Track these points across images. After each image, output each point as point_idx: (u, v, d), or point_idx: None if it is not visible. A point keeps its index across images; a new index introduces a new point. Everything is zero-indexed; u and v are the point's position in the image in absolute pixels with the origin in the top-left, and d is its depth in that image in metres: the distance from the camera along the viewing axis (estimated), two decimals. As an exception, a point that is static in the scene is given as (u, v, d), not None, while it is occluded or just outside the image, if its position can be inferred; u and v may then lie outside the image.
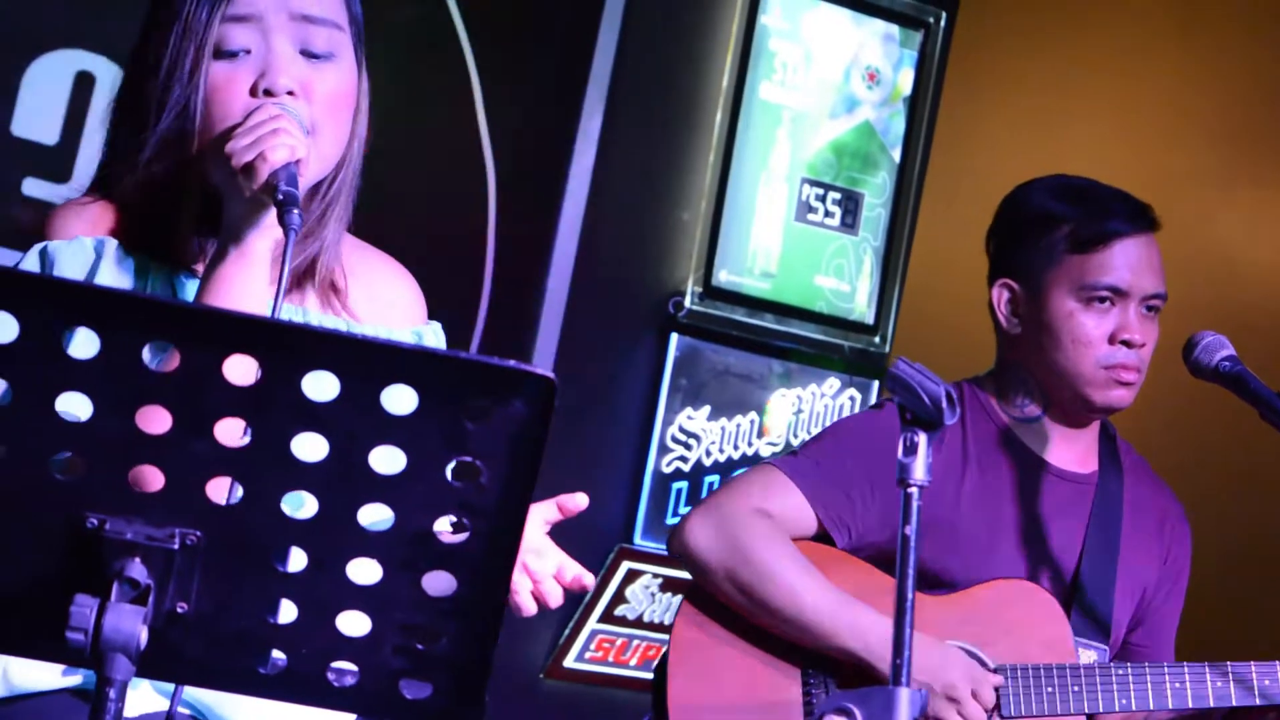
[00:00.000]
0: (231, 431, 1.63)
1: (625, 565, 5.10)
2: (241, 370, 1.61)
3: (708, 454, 5.22)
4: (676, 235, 5.17)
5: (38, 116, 4.23)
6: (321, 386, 1.62)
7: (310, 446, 1.64)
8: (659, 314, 5.16)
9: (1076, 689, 3.14)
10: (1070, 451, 3.36)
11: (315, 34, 2.34)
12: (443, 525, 1.68)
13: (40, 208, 4.22)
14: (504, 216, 4.89)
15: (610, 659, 5.12)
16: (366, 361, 1.62)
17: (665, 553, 5.07)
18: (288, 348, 1.61)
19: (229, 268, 2.25)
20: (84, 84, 4.27)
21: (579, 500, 2.20)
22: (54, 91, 4.25)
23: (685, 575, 5.01)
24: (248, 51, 2.32)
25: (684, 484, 5.19)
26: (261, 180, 2.20)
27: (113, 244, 2.34)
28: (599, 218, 5.02)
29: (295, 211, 2.16)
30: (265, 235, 2.25)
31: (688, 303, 5.16)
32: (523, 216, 4.93)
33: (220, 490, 1.66)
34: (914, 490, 2.24)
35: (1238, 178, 5.71)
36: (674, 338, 5.17)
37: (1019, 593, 3.23)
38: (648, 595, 5.12)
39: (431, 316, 2.61)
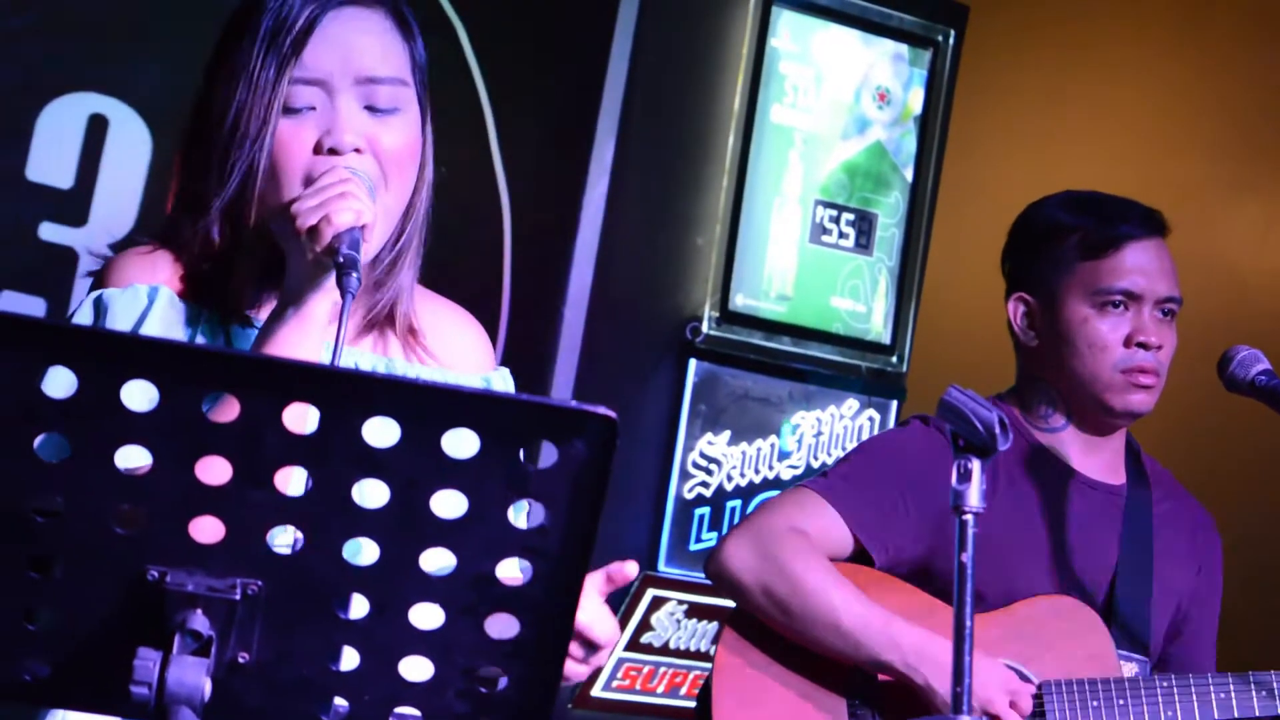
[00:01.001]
0: (292, 480, 1.62)
1: (650, 592, 5.09)
2: (302, 418, 1.60)
3: (729, 479, 5.21)
4: (692, 260, 5.17)
5: (52, 160, 4.23)
6: (382, 432, 1.60)
7: (371, 492, 1.63)
8: (677, 340, 5.16)
9: (1122, 702, 3.14)
10: (1099, 462, 3.37)
11: (379, 92, 2.32)
12: (505, 569, 1.67)
13: (57, 252, 4.21)
14: (519, 247, 4.88)
15: (638, 687, 5.10)
16: (427, 406, 1.61)
17: (690, 579, 5.10)
18: (348, 394, 1.60)
19: (286, 328, 2.23)
20: (98, 127, 4.27)
21: (629, 569, 2.16)
22: (68, 135, 4.24)
23: (711, 601, 5.04)
24: (312, 109, 2.32)
25: (706, 509, 5.19)
26: (325, 243, 2.19)
27: (166, 292, 2.33)
28: (614, 246, 5.01)
29: (354, 275, 2.15)
30: (325, 298, 2.24)
31: (705, 328, 5.16)
32: (538, 246, 4.93)
33: (281, 539, 1.65)
34: (969, 517, 2.23)
35: (1243, 186, 5.71)
36: (692, 363, 5.17)
37: (1060, 608, 3.23)
38: (673, 622, 5.11)
39: None
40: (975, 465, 2.20)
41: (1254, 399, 3.17)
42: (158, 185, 4.32)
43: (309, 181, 2.27)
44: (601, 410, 1.60)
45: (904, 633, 3.10)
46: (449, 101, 4.74)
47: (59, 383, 1.58)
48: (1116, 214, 3.31)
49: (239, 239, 2.34)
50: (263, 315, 2.34)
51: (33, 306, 4.17)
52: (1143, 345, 3.25)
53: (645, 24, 5.04)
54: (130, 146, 4.29)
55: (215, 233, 2.33)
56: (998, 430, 2.21)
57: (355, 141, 2.30)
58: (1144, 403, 3.28)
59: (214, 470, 1.62)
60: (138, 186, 4.29)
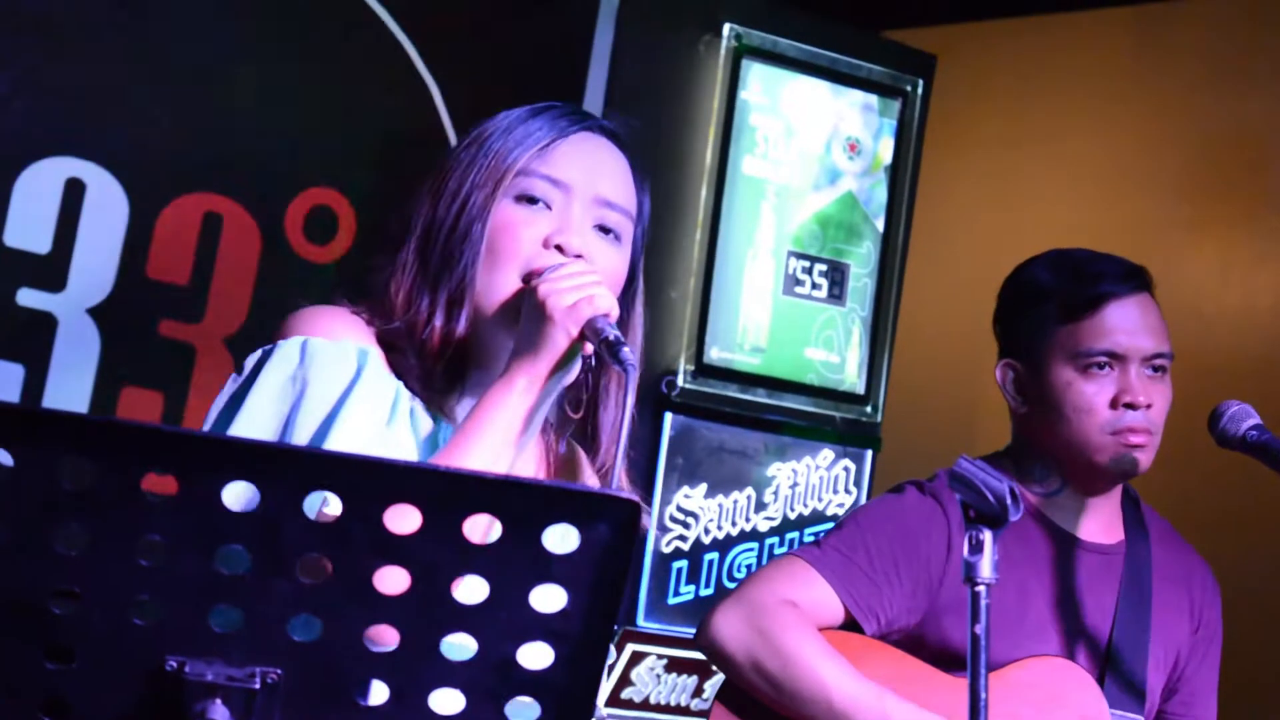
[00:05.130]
0: (315, 569, 1.62)
1: (630, 647, 5.08)
2: (323, 506, 1.60)
3: (706, 531, 5.21)
4: (666, 314, 5.17)
5: (29, 226, 4.21)
6: (403, 519, 1.60)
7: (392, 579, 1.63)
8: (652, 393, 5.16)
9: (1117, 764, 3.13)
10: (1096, 522, 3.35)
11: (610, 215, 2.42)
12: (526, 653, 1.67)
13: (36, 318, 4.19)
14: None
15: (619, 743, 5.09)
16: (448, 492, 1.61)
17: (669, 633, 5.09)
18: (369, 482, 1.60)
19: (520, 401, 2.27)
20: (75, 191, 4.25)
21: None
22: (45, 200, 4.23)
23: (691, 655, 5.03)
24: (548, 206, 2.39)
25: (684, 563, 5.18)
26: (582, 322, 2.25)
27: (376, 355, 2.36)
28: (589, 300, 5.01)
29: (628, 349, 2.22)
30: (562, 378, 2.31)
31: (680, 381, 5.16)
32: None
33: (300, 627, 1.65)
34: (982, 589, 2.23)
35: (1201, 226, 5.75)
36: (668, 416, 5.16)
37: (1053, 670, 3.21)
38: (653, 677, 5.10)
39: None
40: (987, 536, 2.20)
41: (1245, 454, 3.16)
42: (136, 249, 4.31)
43: (528, 273, 2.35)
44: (624, 494, 1.61)
45: (896, 709, 3.06)
46: (421, 163, 4.75)
47: (79, 474, 1.57)
48: (1095, 273, 3.28)
49: (449, 340, 2.38)
50: (459, 412, 2.39)
51: (11, 374, 4.15)
52: (1130, 405, 3.23)
53: (616, 76, 5.06)
54: (107, 210, 4.27)
55: (439, 319, 2.38)
56: (1009, 501, 2.21)
57: (582, 248, 2.37)
58: (1137, 463, 3.26)
59: (235, 560, 1.62)
60: (115, 250, 4.27)
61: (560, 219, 2.38)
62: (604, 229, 2.41)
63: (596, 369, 2.44)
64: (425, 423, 2.37)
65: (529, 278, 2.34)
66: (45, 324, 4.20)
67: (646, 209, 2.50)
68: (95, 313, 4.23)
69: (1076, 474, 3.31)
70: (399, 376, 2.37)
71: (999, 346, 3.40)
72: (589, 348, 2.28)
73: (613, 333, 2.24)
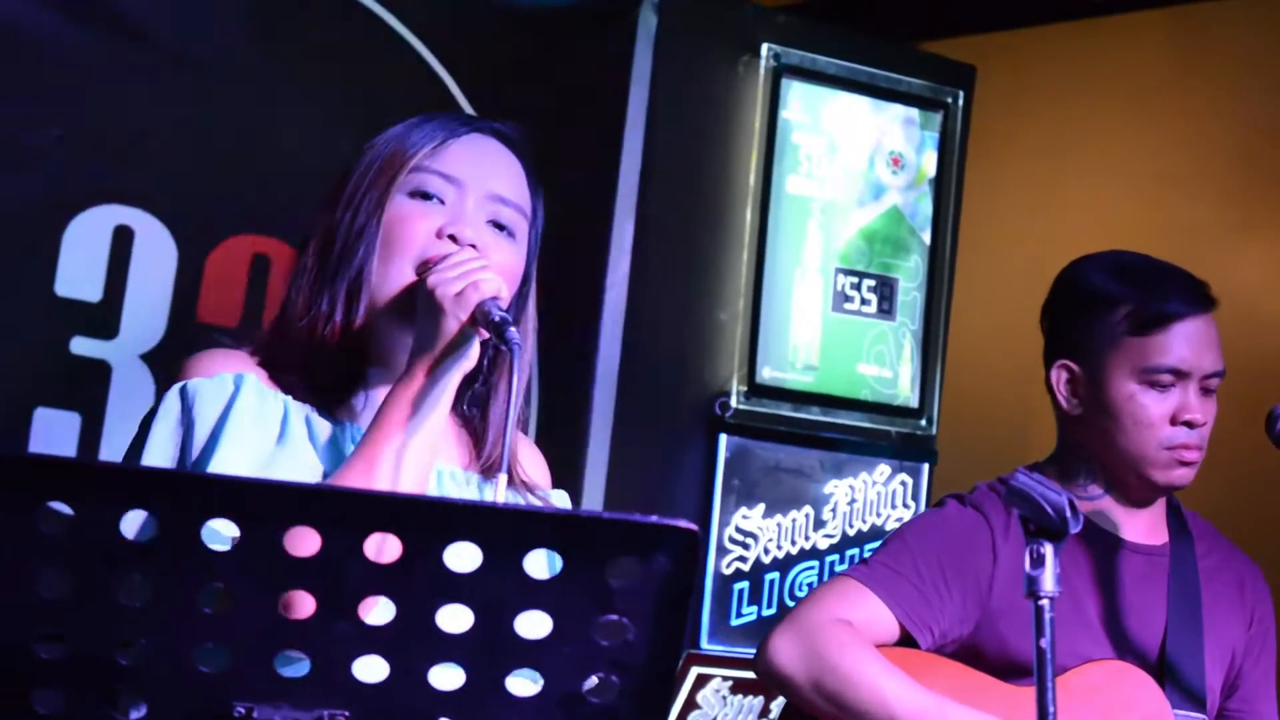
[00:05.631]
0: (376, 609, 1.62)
1: (694, 670, 5.07)
2: (383, 548, 1.60)
3: (766, 551, 5.20)
4: (717, 336, 5.17)
5: (80, 274, 4.22)
6: (464, 557, 1.61)
7: (455, 617, 1.63)
8: (706, 416, 5.15)
9: (1185, 764, 3.12)
10: (1140, 525, 3.35)
11: (503, 211, 2.48)
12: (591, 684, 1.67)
13: (90, 366, 4.21)
14: (544, 333, 4.87)
15: (690, 768, 5.08)
16: (508, 529, 1.61)
17: (733, 654, 5.07)
18: (429, 522, 1.60)
19: (421, 393, 2.31)
20: (123, 238, 4.27)
21: None
22: (94, 248, 4.24)
23: (755, 676, 5.01)
24: (441, 200, 2.45)
25: (745, 584, 5.17)
26: (470, 307, 2.29)
27: (253, 378, 2.40)
28: (639, 327, 5.01)
29: (514, 330, 2.26)
30: (460, 367, 2.34)
31: (734, 402, 5.16)
32: (563, 332, 4.92)
33: (366, 669, 1.65)
34: (1045, 603, 2.22)
35: (1248, 227, 5.72)
36: (723, 438, 5.16)
37: (1112, 673, 3.20)
38: (719, 699, 5.09)
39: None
40: (1048, 550, 2.19)
41: None
42: (186, 293, 4.33)
43: (422, 264, 2.39)
44: (683, 524, 1.60)
45: (959, 716, 3.06)
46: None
47: (138, 526, 1.58)
48: (1166, 289, 3.26)
49: (349, 335, 2.42)
50: (363, 411, 2.43)
51: (67, 422, 4.16)
52: (1188, 424, 3.24)
53: (657, 104, 5.06)
54: (156, 255, 4.28)
55: (339, 313, 2.42)
56: (1068, 514, 2.20)
57: (475, 239, 2.41)
58: (1186, 477, 3.27)
59: (298, 604, 1.62)
60: (166, 295, 4.29)
61: (453, 212, 2.44)
62: (498, 225, 2.47)
63: (490, 368, 2.49)
64: (324, 428, 2.41)
65: (422, 269, 2.39)
66: (99, 371, 4.21)
67: (541, 214, 2.56)
68: (148, 358, 4.25)
69: (1125, 482, 3.31)
70: (287, 391, 2.41)
71: (1049, 344, 3.38)
72: (485, 333, 2.31)
73: (499, 314, 2.27)
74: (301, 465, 2.34)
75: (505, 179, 2.50)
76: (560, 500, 2.60)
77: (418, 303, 2.35)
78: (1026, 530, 2.23)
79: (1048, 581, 2.23)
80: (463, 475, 2.50)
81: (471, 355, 2.33)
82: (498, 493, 2.15)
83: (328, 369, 2.43)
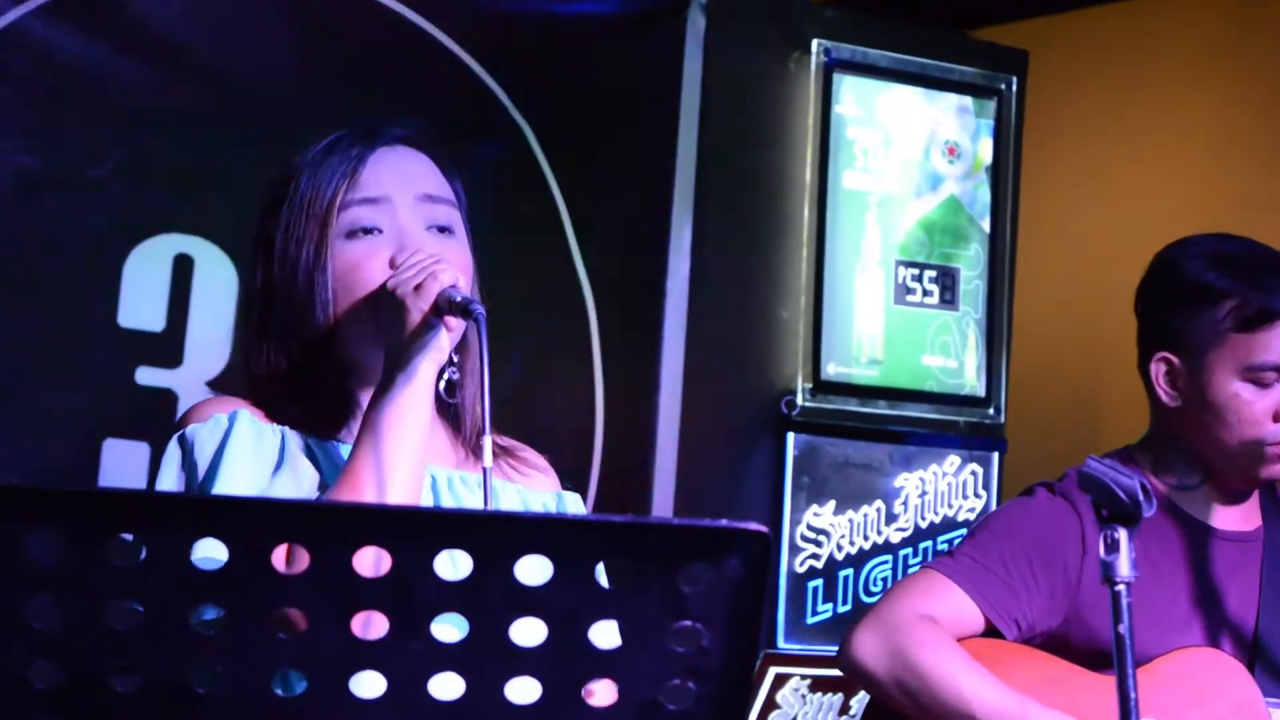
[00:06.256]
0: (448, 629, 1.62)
1: (772, 670, 5.06)
2: (453, 564, 1.60)
3: (839, 548, 5.18)
4: (780, 334, 5.16)
5: (142, 304, 4.25)
6: (535, 570, 1.60)
7: (528, 631, 1.63)
8: (773, 415, 5.15)
9: (1277, 752, 3.08)
10: (1232, 513, 3.31)
11: (437, 210, 2.49)
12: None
13: (156, 396, 4.23)
14: (607, 339, 4.88)
15: (772, 768, 5.07)
16: (578, 540, 1.60)
17: (810, 653, 5.06)
18: (498, 537, 1.60)
19: (399, 392, 2.33)
20: (183, 267, 4.29)
21: None
22: (155, 278, 4.26)
23: (835, 673, 5.00)
24: (379, 230, 2.45)
25: (819, 581, 5.16)
26: (431, 298, 2.31)
27: (245, 413, 2.42)
28: (701, 328, 5.01)
29: (476, 303, 2.29)
30: (431, 359, 2.35)
31: (800, 400, 5.15)
32: (625, 336, 4.92)
33: (442, 687, 1.64)
34: (1122, 588, 2.20)
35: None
36: (790, 436, 5.15)
37: (1201, 660, 3.17)
38: (799, 698, 5.08)
39: (548, 444, 2.71)
40: (1123, 535, 2.17)
41: None
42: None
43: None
44: (753, 526, 1.60)
45: (1040, 717, 3.04)
46: (525, 203, 4.78)
47: (210, 554, 1.58)
48: (1271, 284, 3.20)
49: (314, 358, 2.45)
50: (350, 438, 2.44)
51: (136, 453, 4.19)
52: None
53: (709, 107, 5.05)
54: (217, 283, 4.30)
55: (289, 354, 2.45)
56: (1141, 498, 2.19)
57: (428, 251, 2.41)
58: None
59: (371, 625, 1.62)
60: (228, 322, 4.30)
61: (395, 235, 2.44)
62: (438, 228, 2.47)
63: (462, 357, 2.48)
64: (326, 451, 2.44)
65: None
66: (166, 401, 4.23)
67: (463, 195, 2.55)
68: (215, 385, 4.27)
69: (1224, 475, 3.26)
70: (282, 424, 2.43)
71: (1145, 334, 3.33)
72: (450, 321, 2.33)
73: (460, 296, 2.30)
74: (306, 485, 2.38)
75: (425, 179, 2.51)
76: (574, 503, 2.63)
77: (383, 315, 2.37)
78: (1099, 516, 2.21)
79: (1124, 567, 2.21)
80: (457, 476, 2.51)
81: (442, 347, 2.35)
82: (484, 456, 2.21)
83: (313, 400, 2.46)
